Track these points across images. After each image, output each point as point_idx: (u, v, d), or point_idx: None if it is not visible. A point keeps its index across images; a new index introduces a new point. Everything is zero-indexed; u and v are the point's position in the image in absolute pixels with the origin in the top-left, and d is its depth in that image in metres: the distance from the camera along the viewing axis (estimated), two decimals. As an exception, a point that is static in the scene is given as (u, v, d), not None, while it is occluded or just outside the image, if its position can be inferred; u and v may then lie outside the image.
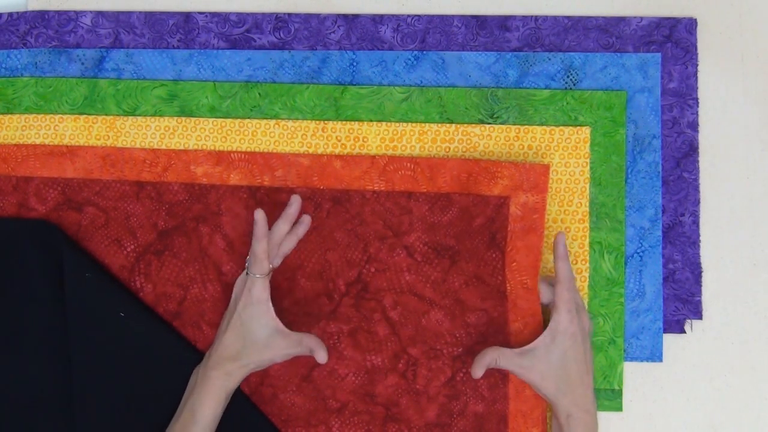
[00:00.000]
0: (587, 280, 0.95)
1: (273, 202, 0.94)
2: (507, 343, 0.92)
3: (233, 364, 0.86)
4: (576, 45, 0.98)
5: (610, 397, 0.95)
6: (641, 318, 0.95)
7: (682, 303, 0.96)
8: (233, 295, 0.89)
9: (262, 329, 0.86)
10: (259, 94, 0.97)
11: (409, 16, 0.98)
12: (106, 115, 0.97)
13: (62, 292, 0.89)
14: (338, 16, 0.99)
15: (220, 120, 0.97)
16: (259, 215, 0.86)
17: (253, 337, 0.86)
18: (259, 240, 0.86)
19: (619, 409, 0.95)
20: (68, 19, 0.99)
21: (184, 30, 0.99)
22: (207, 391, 0.85)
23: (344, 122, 0.96)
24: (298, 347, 0.87)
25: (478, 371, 0.86)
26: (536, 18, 0.98)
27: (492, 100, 0.97)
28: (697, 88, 0.97)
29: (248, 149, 0.96)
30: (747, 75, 0.99)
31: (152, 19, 0.99)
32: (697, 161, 0.97)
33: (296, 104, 0.97)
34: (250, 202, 0.94)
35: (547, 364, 0.86)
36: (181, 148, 0.96)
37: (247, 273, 0.88)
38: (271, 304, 0.87)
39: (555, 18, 0.98)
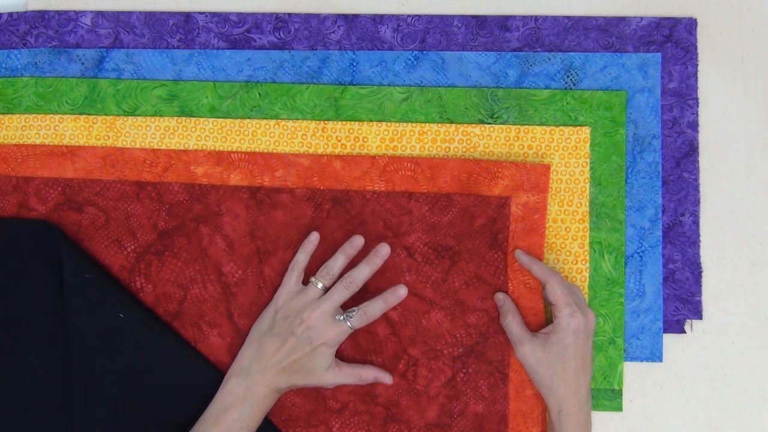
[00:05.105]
0: (587, 280, 0.95)
1: (273, 202, 0.94)
2: (508, 344, 0.92)
3: (285, 384, 0.87)
4: (576, 45, 0.98)
5: (610, 397, 0.95)
6: (641, 318, 0.95)
7: (682, 303, 0.96)
8: (297, 317, 0.88)
9: (324, 364, 0.88)
10: (259, 94, 0.97)
11: (409, 16, 0.98)
12: (106, 115, 0.97)
13: (62, 293, 0.89)
14: (338, 16, 0.98)
15: (220, 120, 0.96)
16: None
17: (310, 367, 0.87)
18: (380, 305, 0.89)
19: (619, 409, 0.95)
20: (68, 19, 0.99)
21: (184, 30, 0.98)
22: (259, 404, 0.87)
23: (344, 122, 0.96)
24: (355, 379, 0.89)
25: (502, 319, 0.91)
26: (536, 18, 0.98)
27: (492, 100, 0.96)
28: (697, 88, 0.97)
29: (248, 149, 0.96)
30: (747, 75, 0.99)
31: (152, 19, 0.99)
32: (697, 161, 0.97)
33: (296, 104, 0.97)
34: (251, 203, 0.94)
35: (544, 353, 0.87)
36: (181, 148, 0.96)
37: (343, 318, 0.87)
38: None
39: (555, 18, 0.98)
